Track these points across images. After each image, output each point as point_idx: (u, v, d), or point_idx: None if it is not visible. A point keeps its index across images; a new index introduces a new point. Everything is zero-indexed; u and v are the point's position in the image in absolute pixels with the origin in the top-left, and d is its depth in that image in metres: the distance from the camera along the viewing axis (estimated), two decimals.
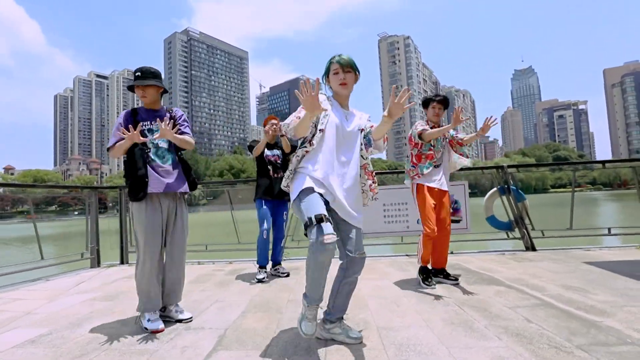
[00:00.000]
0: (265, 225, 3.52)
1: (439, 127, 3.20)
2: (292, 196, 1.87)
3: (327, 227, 1.65)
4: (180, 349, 1.87)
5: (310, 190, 1.79)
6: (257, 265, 3.58)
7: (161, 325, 2.16)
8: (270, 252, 3.72)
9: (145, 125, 2.36)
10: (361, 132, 2.01)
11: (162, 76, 2.52)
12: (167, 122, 2.25)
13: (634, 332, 1.89)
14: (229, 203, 5.52)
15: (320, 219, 1.66)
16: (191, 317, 2.34)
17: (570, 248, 4.62)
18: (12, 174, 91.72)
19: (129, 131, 2.23)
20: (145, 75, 2.35)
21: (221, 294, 3.02)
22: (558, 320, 2.09)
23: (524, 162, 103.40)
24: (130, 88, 2.41)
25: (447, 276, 3.13)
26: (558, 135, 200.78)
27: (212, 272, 3.95)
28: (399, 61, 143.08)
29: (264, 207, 3.58)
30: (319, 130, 1.87)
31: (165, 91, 2.47)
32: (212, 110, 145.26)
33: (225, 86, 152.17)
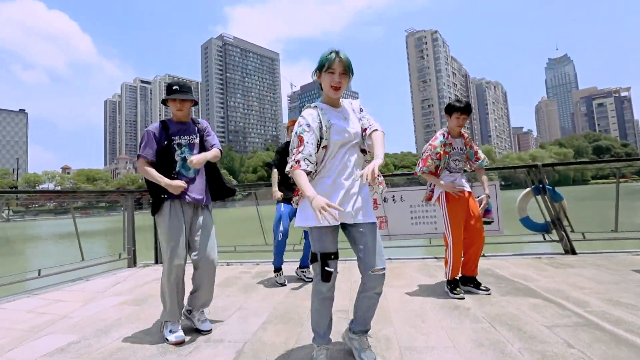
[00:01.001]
0: (280, 228, 3.42)
1: (459, 136, 2.99)
2: (305, 222, 1.72)
3: (331, 264, 1.68)
4: None
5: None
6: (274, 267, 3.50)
7: (180, 338, 2.11)
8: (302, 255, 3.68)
9: (174, 140, 2.31)
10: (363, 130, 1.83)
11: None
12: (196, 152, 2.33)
13: None
14: (262, 200, 5.54)
15: (326, 256, 1.66)
16: (210, 330, 2.27)
17: (616, 252, 4.15)
18: (68, 172, 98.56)
19: (160, 144, 2.27)
20: (184, 90, 2.31)
21: (245, 300, 2.95)
22: (605, 347, 1.81)
23: (561, 153, 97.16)
24: (164, 101, 2.35)
25: (477, 285, 2.88)
26: (598, 125, 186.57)
27: (239, 275, 3.91)
28: (427, 55, 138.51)
29: (282, 209, 3.48)
30: (322, 147, 1.70)
31: (195, 103, 2.41)
32: (246, 110, 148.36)
33: (258, 87, 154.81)
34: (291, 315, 2.51)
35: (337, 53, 1.72)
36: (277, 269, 3.49)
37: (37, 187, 70.76)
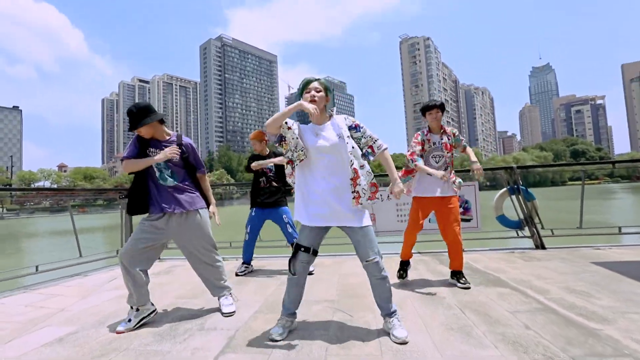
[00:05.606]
0: (247, 229, 3.79)
1: (438, 131, 3.07)
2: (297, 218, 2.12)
3: (302, 255, 2.05)
4: (191, 350, 1.90)
5: (303, 223, 2.07)
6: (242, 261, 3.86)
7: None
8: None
9: (152, 153, 2.40)
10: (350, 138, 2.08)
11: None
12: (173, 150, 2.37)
13: (632, 342, 1.76)
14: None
15: (297, 247, 2.06)
16: (232, 312, 2.50)
17: (580, 246, 4.36)
18: (64, 171, 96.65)
19: (142, 154, 2.36)
20: (136, 119, 2.28)
21: (238, 292, 3.04)
22: (557, 328, 1.98)
23: (542, 156, 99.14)
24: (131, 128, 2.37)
25: (459, 279, 2.95)
26: (576, 130, 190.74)
27: (234, 269, 3.99)
28: (420, 61, 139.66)
29: (253, 214, 3.78)
30: (298, 159, 2.06)
31: (162, 121, 2.42)
32: (244, 111, 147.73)
33: (256, 88, 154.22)
34: (280, 307, 2.60)
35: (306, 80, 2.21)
36: (244, 263, 3.86)
37: (32, 185, 69.37)
